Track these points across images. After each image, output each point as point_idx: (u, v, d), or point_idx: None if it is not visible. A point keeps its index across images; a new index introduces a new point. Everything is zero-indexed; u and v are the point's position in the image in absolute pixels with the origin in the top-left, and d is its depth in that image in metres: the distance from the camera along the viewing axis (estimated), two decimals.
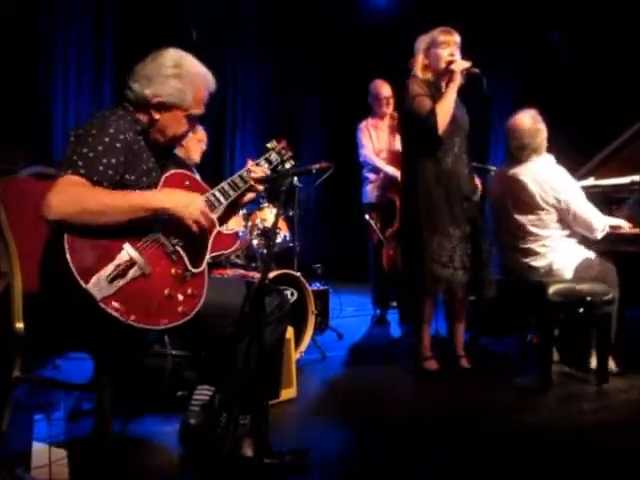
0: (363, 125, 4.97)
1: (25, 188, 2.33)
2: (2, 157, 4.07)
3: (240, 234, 3.78)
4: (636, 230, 3.37)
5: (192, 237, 1.97)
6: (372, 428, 2.67)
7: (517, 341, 3.93)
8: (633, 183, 3.53)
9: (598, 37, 5.84)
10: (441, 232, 3.29)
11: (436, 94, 3.32)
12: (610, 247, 3.42)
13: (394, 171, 4.61)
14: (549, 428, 2.66)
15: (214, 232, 2.08)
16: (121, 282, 1.78)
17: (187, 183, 2.07)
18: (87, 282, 1.72)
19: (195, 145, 3.36)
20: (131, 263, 1.82)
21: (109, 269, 1.77)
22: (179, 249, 1.95)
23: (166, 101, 1.98)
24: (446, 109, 3.24)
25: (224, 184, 2.14)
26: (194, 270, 1.96)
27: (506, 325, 3.99)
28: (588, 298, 3.16)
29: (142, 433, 2.47)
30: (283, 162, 2.39)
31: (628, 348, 3.45)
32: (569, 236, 3.35)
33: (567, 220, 3.30)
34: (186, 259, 1.96)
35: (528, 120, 3.36)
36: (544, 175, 3.27)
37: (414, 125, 3.35)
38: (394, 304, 5.09)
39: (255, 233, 3.87)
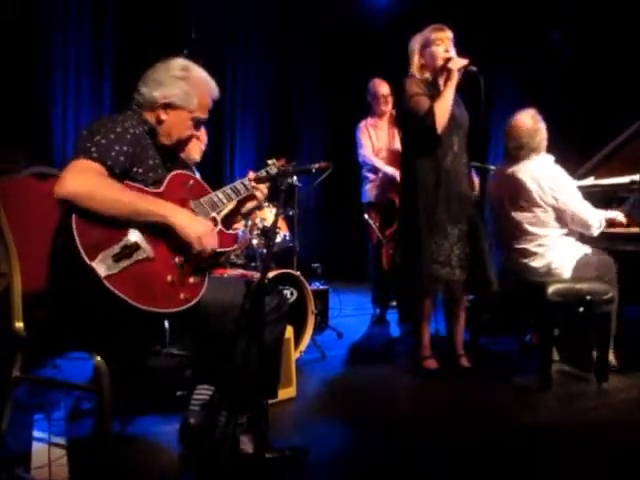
0: (362, 125, 4.97)
1: (25, 188, 2.33)
2: (2, 157, 4.07)
3: (240, 233, 3.79)
4: (635, 229, 3.37)
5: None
6: (372, 427, 2.67)
7: (516, 340, 3.94)
8: (633, 182, 3.53)
9: (598, 37, 5.84)
10: (439, 231, 3.29)
11: (434, 93, 3.33)
12: (609, 246, 3.43)
13: (393, 171, 4.62)
14: (549, 427, 2.66)
15: (216, 230, 2.11)
16: (126, 262, 1.81)
17: (191, 182, 2.13)
18: (92, 259, 1.75)
19: (195, 144, 3.36)
20: (136, 246, 1.86)
21: (115, 249, 1.81)
22: (181, 241, 1.98)
23: (173, 102, 2.07)
24: (444, 108, 3.24)
25: (227, 188, 2.24)
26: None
27: (506, 324, 3.99)
28: (587, 297, 3.16)
29: (142, 433, 2.47)
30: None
31: (628, 347, 3.45)
32: (566, 235, 3.35)
33: (564, 219, 3.30)
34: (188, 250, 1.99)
35: (528, 120, 3.36)
36: (542, 173, 3.28)
37: (413, 124, 3.35)
38: (394, 303, 5.09)
39: (255, 232, 3.87)
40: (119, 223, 1.84)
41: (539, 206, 3.27)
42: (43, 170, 2.39)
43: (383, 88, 4.88)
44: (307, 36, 7.43)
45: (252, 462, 2.10)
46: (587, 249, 3.36)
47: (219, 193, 2.19)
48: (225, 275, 3.33)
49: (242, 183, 2.29)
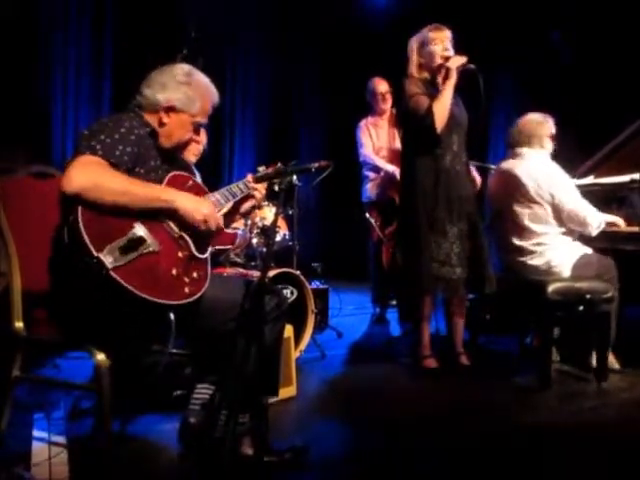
0: (363, 124, 4.97)
1: (24, 187, 2.33)
2: (1, 156, 4.08)
3: (240, 233, 3.79)
4: (635, 228, 3.37)
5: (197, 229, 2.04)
6: (372, 426, 2.67)
7: (517, 341, 3.94)
8: (633, 181, 3.53)
9: (598, 37, 5.84)
10: (439, 230, 3.29)
11: (433, 92, 3.33)
12: (608, 245, 3.42)
13: (395, 169, 4.61)
14: (549, 427, 2.66)
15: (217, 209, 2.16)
16: (132, 255, 1.83)
17: (190, 183, 2.15)
18: (99, 251, 1.76)
19: (193, 146, 3.36)
20: (142, 240, 1.87)
21: (121, 241, 1.82)
22: (185, 235, 2.01)
23: (176, 106, 2.10)
24: (443, 107, 3.24)
25: (224, 190, 2.27)
26: (199, 255, 2.03)
27: (505, 324, 3.99)
28: (587, 296, 3.16)
29: (142, 432, 2.47)
30: (273, 184, 2.47)
31: (628, 346, 3.45)
32: (565, 234, 3.34)
33: (561, 216, 3.30)
34: (191, 244, 2.02)
35: (533, 116, 3.42)
36: (538, 170, 3.29)
37: (412, 124, 3.36)
38: (393, 303, 5.09)
39: (255, 232, 3.87)
40: (125, 217, 1.86)
41: (536, 202, 3.28)
42: (42, 169, 2.39)
43: (381, 86, 4.89)
44: (307, 36, 7.43)
45: (251, 464, 2.10)
46: (587, 249, 3.36)
47: (217, 194, 2.22)
48: (225, 274, 3.33)
49: (238, 185, 2.32)
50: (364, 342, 4.40)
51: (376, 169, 4.87)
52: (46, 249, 1.95)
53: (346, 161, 5.07)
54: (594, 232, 3.32)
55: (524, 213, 3.32)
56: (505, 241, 3.44)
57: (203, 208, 2.02)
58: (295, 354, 3.27)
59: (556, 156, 3.44)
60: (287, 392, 2.93)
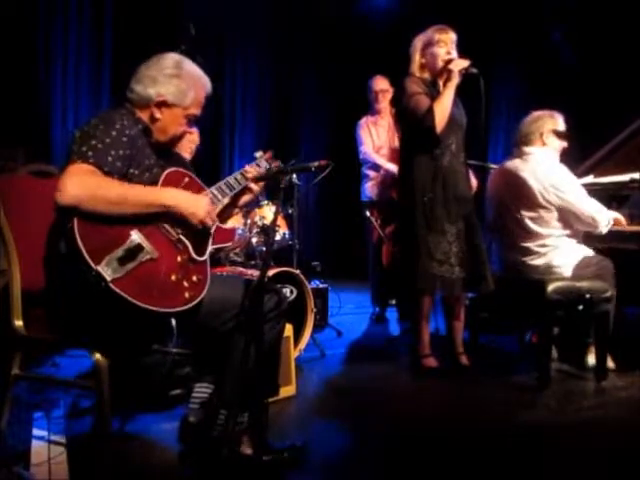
0: (363, 122, 4.97)
1: (24, 186, 2.33)
2: (1, 155, 4.07)
3: (239, 232, 3.78)
4: (634, 227, 3.36)
5: (195, 228, 2.03)
6: (371, 426, 2.67)
7: (516, 339, 3.94)
8: (633, 181, 3.53)
9: (598, 37, 5.84)
10: (437, 230, 3.29)
11: (434, 93, 3.32)
12: (608, 244, 3.42)
13: (395, 168, 4.60)
14: (548, 426, 2.66)
15: (214, 226, 2.13)
16: (131, 265, 1.82)
17: (186, 180, 2.12)
18: (97, 264, 1.75)
19: (186, 144, 3.37)
20: (140, 248, 1.86)
21: (119, 252, 1.81)
22: (183, 238, 2.00)
23: (168, 100, 2.06)
24: (444, 108, 3.23)
25: (221, 183, 2.23)
26: (198, 258, 2.01)
27: (505, 323, 3.99)
28: (587, 296, 3.16)
29: (141, 430, 2.47)
30: (271, 169, 2.46)
31: (627, 346, 3.45)
32: (569, 236, 3.32)
33: (569, 219, 3.27)
34: (190, 247, 2.01)
35: (538, 112, 3.39)
36: (545, 172, 3.24)
37: (411, 123, 3.35)
38: (393, 302, 5.09)
39: (254, 231, 3.87)
40: (121, 224, 1.84)
41: (542, 206, 3.24)
42: (42, 168, 2.39)
43: (380, 84, 4.90)
44: (307, 35, 7.43)
45: (250, 463, 2.10)
46: (589, 251, 3.35)
47: (214, 189, 2.19)
48: (224, 273, 3.33)
49: (235, 178, 2.29)
50: (364, 341, 4.40)
51: (376, 167, 4.87)
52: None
53: (346, 160, 5.07)
54: (604, 230, 3.27)
55: (529, 216, 3.28)
56: (508, 241, 3.42)
57: (200, 207, 2.01)
58: (295, 353, 3.27)
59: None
60: (286, 391, 2.93)
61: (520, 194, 3.30)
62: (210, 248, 2.10)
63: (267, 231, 3.79)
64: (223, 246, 2.22)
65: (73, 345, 2.29)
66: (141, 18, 5.82)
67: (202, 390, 2.21)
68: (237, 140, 7.18)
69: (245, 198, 2.39)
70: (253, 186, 2.34)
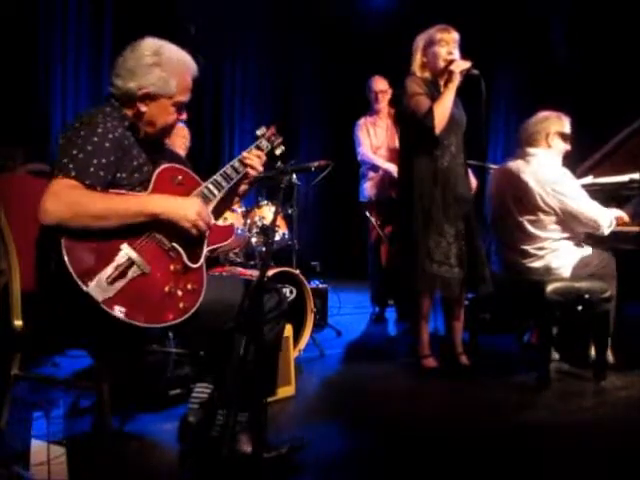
0: (361, 122, 4.97)
1: (23, 185, 2.33)
2: (0, 154, 4.07)
3: (239, 232, 3.78)
4: (633, 228, 3.36)
5: (189, 233, 1.96)
6: (370, 426, 2.67)
7: (516, 339, 3.94)
8: (632, 181, 3.53)
9: (598, 37, 5.84)
10: (436, 230, 3.28)
11: (434, 93, 3.32)
12: (608, 245, 3.42)
13: (394, 168, 4.60)
14: (548, 425, 2.66)
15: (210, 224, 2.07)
16: (121, 283, 1.77)
17: (180, 177, 2.04)
18: (87, 285, 1.71)
19: (179, 141, 3.37)
20: (130, 263, 1.81)
21: (108, 271, 1.76)
22: (176, 246, 1.94)
23: (151, 92, 1.95)
24: (444, 109, 3.22)
25: (217, 176, 2.13)
26: (192, 265, 1.95)
27: (505, 323, 3.99)
28: (586, 296, 3.16)
29: (141, 430, 2.47)
30: (274, 148, 2.35)
31: (627, 345, 3.45)
32: (568, 239, 3.31)
33: (569, 222, 3.26)
34: (184, 255, 1.95)
35: (543, 113, 3.38)
36: (546, 175, 3.23)
37: (411, 124, 3.35)
38: (392, 302, 5.09)
39: (254, 231, 3.87)
40: (110, 240, 1.79)
41: (542, 210, 3.23)
42: (41, 167, 2.38)
43: (378, 84, 4.90)
44: (306, 35, 7.43)
45: (250, 464, 2.10)
46: (588, 250, 3.35)
47: (209, 184, 2.09)
48: (224, 273, 3.33)
49: (232, 166, 2.17)
50: (363, 341, 4.40)
51: (375, 168, 4.87)
52: None
53: (345, 160, 5.07)
54: (606, 232, 3.26)
55: (529, 219, 3.27)
56: (507, 241, 3.41)
57: (190, 209, 1.92)
58: (294, 353, 3.27)
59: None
60: (286, 391, 2.92)
61: (521, 196, 3.29)
62: (205, 252, 2.03)
63: (267, 231, 3.79)
64: (221, 245, 2.17)
65: (73, 345, 2.28)
66: (141, 18, 5.81)
67: (201, 390, 2.20)
68: (237, 140, 7.17)
69: (242, 188, 2.29)
70: (251, 171, 2.21)
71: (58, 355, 3.02)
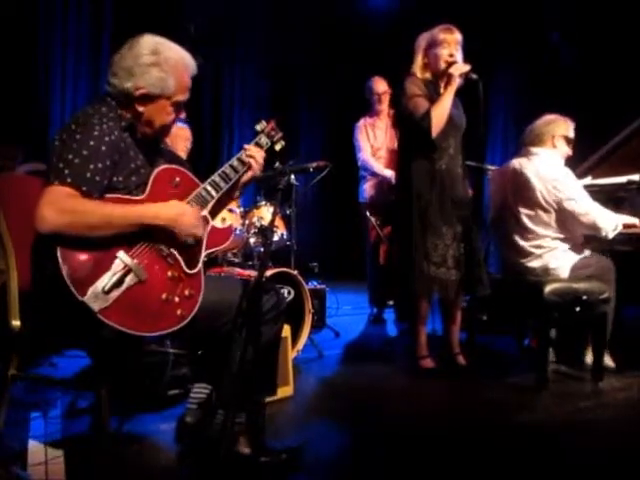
0: (361, 124, 4.96)
1: (22, 185, 2.32)
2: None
3: (237, 232, 3.78)
4: (631, 230, 3.36)
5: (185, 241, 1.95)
6: (369, 426, 2.67)
7: (514, 341, 3.94)
8: (630, 182, 3.53)
9: (598, 37, 5.84)
10: (434, 232, 3.28)
11: (434, 95, 3.31)
12: (606, 246, 3.43)
13: (392, 174, 4.60)
14: (546, 426, 2.66)
15: (208, 227, 2.06)
16: (117, 292, 1.76)
17: (177, 179, 2.02)
18: (83, 295, 1.70)
19: (181, 144, 3.37)
20: (126, 271, 1.79)
21: (104, 280, 1.75)
22: (174, 252, 1.92)
23: (149, 92, 1.92)
24: (441, 113, 3.22)
25: (215, 176, 2.10)
26: (190, 271, 1.94)
27: (503, 324, 3.99)
28: (584, 297, 3.16)
29: (139, 431, 2.46)
30: (274, 143, 2.34)
31: (625, 347, 3.46)
32: (565, 239, 3.32)
33: (568, 222, 3.26)
34: (181, 261, 1.93)
35: (550, 115, 3.41)
36: (548, 173, 3.25)
37: (408, 126, 3.35)
38: (391, 302, 5.09)
39: (252, 231, 3.87)
40: (106, 248, 1.78)
41: (541, 206, 3.25)
42: (40, 167, 2.38)
43: (379, 86, 4.88)
44: (306, 35, 7.42)
45: (248, 464, 2.10)
46: (586, 252, 3.36)
47: (207, 185, 2.06)
48: (222, 274, 3.32)
49: (231, 165, 2.15)
50: (361, 342, 4.40)
51: (375, 173, 4.85)
52: None
53: (344, 161, 5.07)
54: (610, 234, 3.24)
55: (527, 214, 3.29)
56: (507, 239, 3.42)
57: (185, 217, 1.90)
58: (292, 354, 3.27)
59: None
60: (284, 392, 2.92)
61: (521, 191, 3.30)
62: (203, 256, 2.02)
63: (265, 232, 3.79)
64: (219, 248, 2.16)
65: (71, 345, 2.28)
66: (140, 18, 5.82)
67: (200, 390, 2.20)
68: (236, 140, 7.17)
69: (246, 178, 2.24)
70: (253, 163, 2.20)
71: (56, 355, 3.01)
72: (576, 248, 3.35)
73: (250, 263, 3.85)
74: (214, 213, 2.18)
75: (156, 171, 1.97)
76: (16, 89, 5.27)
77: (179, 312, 1.87)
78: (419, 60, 3.39)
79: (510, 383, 3.27)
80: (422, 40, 3.39)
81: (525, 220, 3.30)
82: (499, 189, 3.50)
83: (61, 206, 1.72)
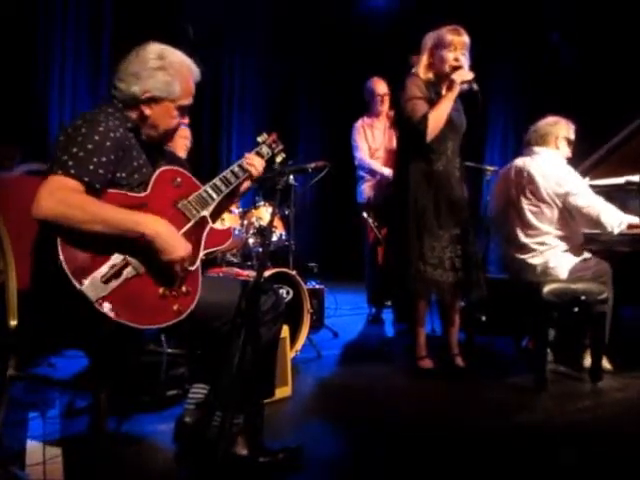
0: (359, 124, 4.96)
1: (20, 185, 2.32)
2: None
3: (236, 233, 3.78)
4: (633, 231, 3.36)
5: (185, 237, 1.95)
6: (367, 426, 2.67)
7: (512, 342, 3.94)
8: (628, 183, 3.53)
9: (597, 38, 5.84)
10: (430, 234, 3.27)
11: (434, 97, 3.29)
12: (604, 247, 3.43)
13: (391, 172, 4.60)
14: (544, 427, 2.67)
15: (207, 229, 2.07)
16: (116, 283, 1.77)
17: (179, 180, 2.05)
18: (81, 284, 1.71)
19: (180, 142, 3.37)
20: (125, 263, 1.80)
21: (103, 270, 1.76)
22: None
23: (155, 95, 1.97)
24: (439, 117, 3.21)
25: (216, 180, 2.14)
26: (188, 268, 1.94)
27: (501, 324, 4.00)
28: (582, 297, 3.17)
29: (137, 431, 2.47)
30: (274, 155, 2.37)
31: (623, 347, 3.46)
32: (567, 237, 3.33)
33: (571, 218, 3.27)
34: None
35: (553, 117, 3.44)
36: (551, 170, 3.28)
37: (406, 127, 3.35)
38: (389, 303, 5.09)
39: (251, 231, 3.87)
40: (106, 241, 1.78)
41: (545, 202, 3.26)
42: (38, 167, 2.38)
43: (380, 87, 4.88)
44: (305, 36, 7.43)
45: (246, 465, 2.10)
46: (585, 254, 3.36)
47: (208, 188, 2.10)
48: (221, 274, 3.33)
49: (232, 171, 2.19)
50: (360, 342, 4.41)
51: (372, 172, 4.86)
52: None
53: (343, 162, 5.07)
54: (616, 230, 3.23)
55: (531, 210, 3.30)
56: (510, 236, 3.42)
57: (180, 248, 1.87)
58: (291, 354, 3.27)
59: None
60: (282, 392, 2.92)
61: (526, 188, 3.32)
62: (201, 255, 2.03)
63: (264, 232, 3.79)
64: (218, 249, 2.17)
65: (70, 346, 2.28)
66: (140, 18, 5.82)
67: (198, 391, 2.20)
68: (235, 140, 7.18)
69: (245, 186, 2.30)
70: (253, 170, 2.23)
71: (54, 356, 3.01)
72: (576, 250, 3.35)
73: (249, 263, 3.85)
74: (213, 217, 2.19)
75: (158, 171, 2.00)
76: (15, 89, 5.26)
77: (176, 307, 1.87)
78: (424, 59, 3.35)
79: (509, 383, 3.27)
80: (429, 39, 3.35)
81: (529, 216, 3.31)
82: (502, 187, 3.51)
83: (60, 197, 1.74)
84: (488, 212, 3.82)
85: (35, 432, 2.42)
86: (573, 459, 2.35)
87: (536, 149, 3.40)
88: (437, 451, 2.41)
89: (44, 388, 2.86)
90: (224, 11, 6.69)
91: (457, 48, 3.27)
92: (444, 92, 3.31)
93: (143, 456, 2.30)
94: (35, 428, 2.47)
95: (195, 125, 3.22)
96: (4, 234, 2.08)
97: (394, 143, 4.72)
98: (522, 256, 3.36)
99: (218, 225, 2.29)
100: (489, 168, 4.52)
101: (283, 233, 4.13)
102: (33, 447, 2.28)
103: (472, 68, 3.31)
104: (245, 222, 3.91)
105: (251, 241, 3.87)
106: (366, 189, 4.89)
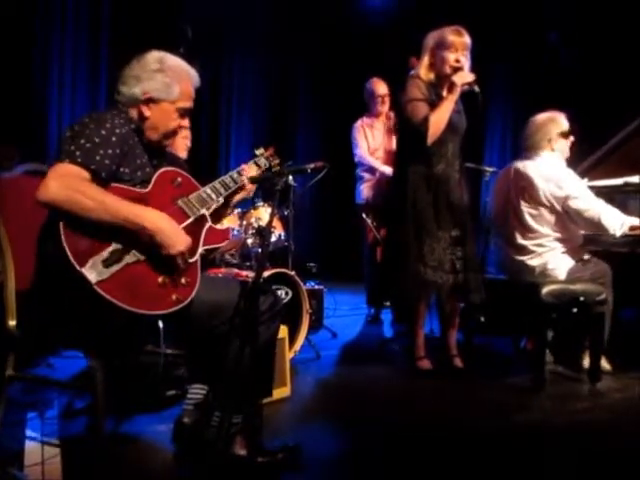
0: (358, 124, 4.96)
1: (19, 185, 2.32)
2: None
3: (235, 233, 3.78)
4: (633, 232, 3.36)
5: (185, 231, 1.99)
6: (366, 427, 2.67)
7: (511, 343, 3.94)
8: (627, 184, 3.53)
9: (596, 38, 5.84)
10: (429, 236, 3.27)
11: (435, 99, 3.28)
12: (603, 248, 3.43)
13: (390, 170, 4.60)
14: (543, 427, 2.67)
15: (206, 226, 2.12)
16: (116, 267, 1.81)
17: (179, 180, 2.11)
18: (82, 266, 1.75)
19: (181, 142, 3.37)
20: (126, 249, 1.85)
21: (104, 254, 1.80)
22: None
23: (154, 96, 2.04)
24: (439, 120, 3.20)
25: (215, 183, 2.21)
26: (188, 260, 1.98)
27: (500, 325, 4.00)
28: (581, 298, 3.17)
29: (136, 432, 2.46)
30: (271, 168, 2.45)
31: (622, 348, 3.46)
32: (566, 240, 3.33)
33: (571, 221, 3.27)
34: None
35: (541, 116, 3.39)
36: (551, 173, 3.26)
37: (406, 129, 3.34)
38: (388, 303, 5.09)
39: (250, 232, 3.87)
40: (108, 227, 1.82)
41: (544, 205, 3.25)
42: (37, 168, 2.38)
43: (381, 88, 4.87)
44: (304, 36, 7.42)
45: (244, 465, 2.10)
46: (585, 256, 3.36)
47: (207, 189, 2.17)
48: (219, 274, 3.33)
49: (231, 177, 2.27)
50: (359, 342, 4.40)
51: (371, 170, 4.87)
52: None
53: (342, 162, 5.07)
54: (618, 233, 3.22)
55: (530, 213, 3.30)
56: (508, 238, 3.42)
57: (180, 242, 1.91)
58: (289, 354, 3.27)
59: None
60: (281, 392, 2.92)
61: (525, 191, 3.31)
62: (201, 248, 2.07)
63: (263, 232, 3.79)
64: (216, 247, 2.20)
65: (68, 346, 2.28)
66: (138, 19, 5.82)
67: (196, 391, 2.21)
68: (234, 140, 7.17)
69: (238, 197, 2.38)
70: (248, 185, 2.33)
71: (53, 356, 3.02)
72: (574, 251, 3.35)
73: (248, 264, 3.85)
74: (213, 221, 2.22)
75: (159, 171, 2.06)
76: (14, 89, 5.26)
77: (174, 297, 1.90)
78: (425, 60, 3.34)
79: (507, 384, 3.28)
80: (430, 39, 3.34)
81: (528, 219, 3.31)
82: (502, 188, 3.50)
83: (66, 182, 1.80)
84: (488, 213, 3.82)
85: (33, 432, 2.42)
86: (572, 459, 2.35)
87: (534, 153, 3.37)
88: (436, 451, 2.41)
89: (43, 388, 2.86)
90: (223, 11, 6.68)
91: (458, 49, 3.26)
92: (445, 94, 3.30)
93: (142, 456, 2.30)
94: (34, 428, 2.46)
95: (194, 125, 3.22)
96: (3, 234, 2.09)
97: (393, 144, 4.72)
98: (521, 257, 3.36)
99: (217, 226, 2.31)
100: (488, 169, 4.52)
101: (282, 233, 4.13)
102: (32, 447, 2.28)
103: (472, 69, 3.31)
104: (244, 222, 3.91)
105: (250, 242, 3.86)
106: (365, 189, 4.90)
